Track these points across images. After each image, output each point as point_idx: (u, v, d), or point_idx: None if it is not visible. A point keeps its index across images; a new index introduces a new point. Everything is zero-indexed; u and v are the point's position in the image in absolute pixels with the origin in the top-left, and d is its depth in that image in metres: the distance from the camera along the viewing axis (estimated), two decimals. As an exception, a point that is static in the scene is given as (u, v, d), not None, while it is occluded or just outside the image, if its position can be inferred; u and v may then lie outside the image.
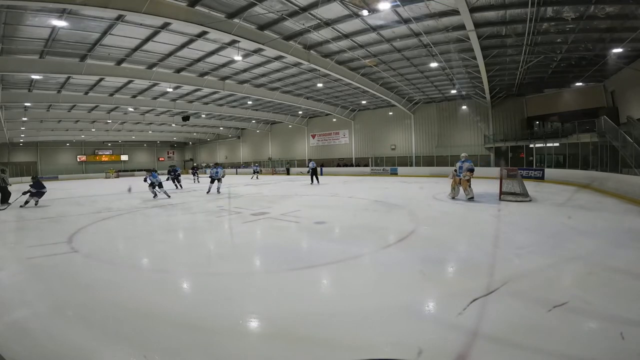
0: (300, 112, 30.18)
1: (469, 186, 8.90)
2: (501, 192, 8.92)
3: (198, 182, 20.50)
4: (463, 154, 9.42)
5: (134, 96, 21.06)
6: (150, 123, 31.32)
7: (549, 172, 15.45)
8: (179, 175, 15.97)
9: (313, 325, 2.46)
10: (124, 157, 44.90)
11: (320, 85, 19.27)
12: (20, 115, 23.48)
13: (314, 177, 17.01)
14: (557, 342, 2.11)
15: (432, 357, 2.00)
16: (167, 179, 15.67)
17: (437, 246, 4.64)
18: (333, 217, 7.21)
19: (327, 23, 11.28)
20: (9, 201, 10.60)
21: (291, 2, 9.86)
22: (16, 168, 31.57)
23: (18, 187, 12.05)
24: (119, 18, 10.21)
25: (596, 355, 1.99)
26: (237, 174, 34.23)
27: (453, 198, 9.20)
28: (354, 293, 3.08)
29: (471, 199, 8.74)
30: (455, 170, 9.21)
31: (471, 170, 8.94)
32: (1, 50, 11.59)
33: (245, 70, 16.94)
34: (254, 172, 25.25)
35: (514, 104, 21.25)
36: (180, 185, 15.50)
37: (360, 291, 3.11)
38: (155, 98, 22.04)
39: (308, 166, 17.81)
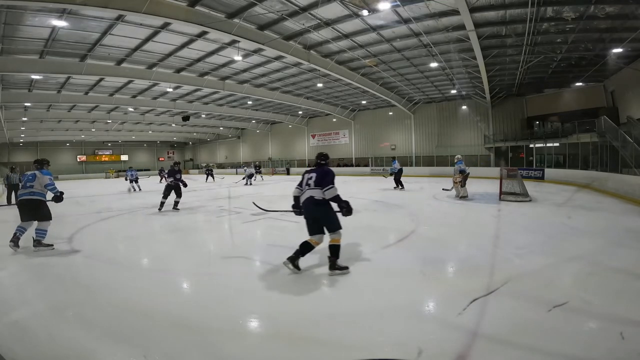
0: (300, 112, 30.18)
1: (461, 186, 9.17)
2: (501, 192, 8.93)
3: (262, 179, 20.35)
4: (457, 156, 9.71)
5: (134, 96, 21.06)
6: (150, 123, 31.33)
7: (549, 172, 15.45)
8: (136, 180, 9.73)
9: (313, 325, 2.46)
10: (124, 157, 44.92)
11: (320, 85, 19.27)
12: (20, 115, 23.48)
13: (400, 183, 12.53)
14: (557, 342, 2.11)
15: (432, 357, 2.00)
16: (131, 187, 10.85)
17: (437, 246, 4.63)
18: (333, 217, 7.20)
19: (327, 23, 11.28)
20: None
21: (291, 2, 9.86)
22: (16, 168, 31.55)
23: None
24: (119, 18, 10.20)
25: (596, 355, 1.99)
26: (237, 173, 34.23)
27: (456, 197, 9.40)
28: (354, 293, 3.08)
29: (463, 197, 9.02)
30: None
31: (461, 172, 9.17)
32: (1, 50, 11.58)
33: (245, 70, 16.94)
34: (256, 173, 20.42)
35: (514, 104, 21.26)
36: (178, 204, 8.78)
37: (360, 291, 3.11)
38: (155, 98, 22.05)
39: (392, 166, 12.97)
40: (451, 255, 4.27)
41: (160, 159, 48.95)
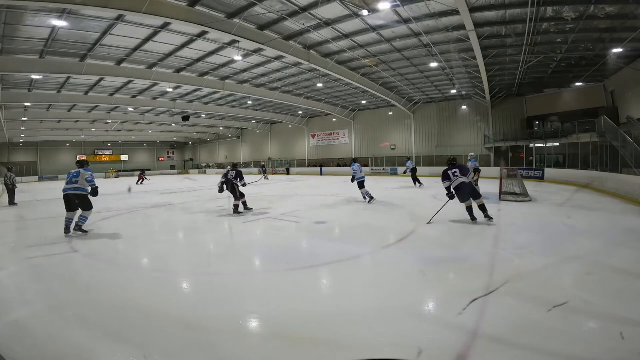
0: (300, 112, 30.18)
1: (475, 184, 9.17)
2: (501, 192, 8.93)
3: (267, 179, 21.02)
4: (471, 154, 10.15)
5: (134, 96, 21.06)
6: (150, 123, 31.32)
7: (549, 172, 15.45)
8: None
9: (313, 325, 2.46)
10: (124, 157, 44.95)
11: (320, 85, 19.27)
12: (20, 115, 23.47)
13: (417, 181, 13.70)
14: (557, 342, 2.11)
15: (432, 357, 2.00)
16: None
17: (437, 246, 4.64)
18: (333, 217, 7.21)
19: (327, 23, 11.28)
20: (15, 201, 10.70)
21: (291, 2, 9.86)
22: (16, 168, 31.49)
23: (22, 187, 12.11)
24: (119, 18, 10.20)
25: (596, 355, 1.99)
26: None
27: None
28: (354, 293, 3.08)
29: None
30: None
31: (475, 170, 9.29)
32: (1, 50, 11.58)
33: (245, 70, 16.94)
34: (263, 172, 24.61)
35: (514, 104, 21.26)
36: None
37: (360, 291, 3.12)
38: (155, 98, 22.04)
39: (406, 166, 14.27)
40: (451, 255, 4.27)
41: (160, 159, 49.00)
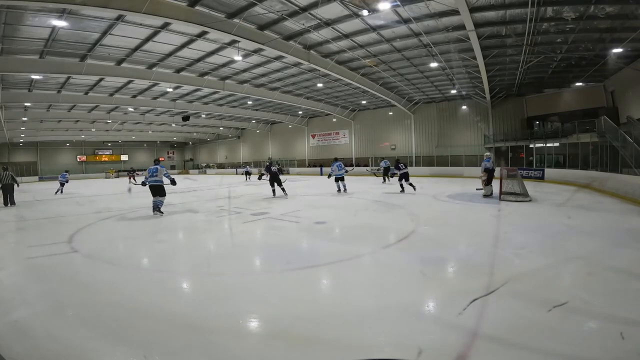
0: (300, 112, 30.17)
1: (488, 184, 9.51)
2: (501, 192, 8.93)
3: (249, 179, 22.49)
4: (486, 153, 10.48)
5: (134, 96, 21.05)
6: (150, 123, 31.32)
7: (549, 172, 15.44)
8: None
9: (313, 325, 2.46)
10: (124, 157, 44.91)
11: (320, 85, 19.26)
12: (20, 115, 23.47)
13: (387, 176, 15.94)
14: (557, 342, 2.11)
15: (432, 357, 2.00)
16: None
17: (437, 246, 4.63)
18: (333, 217, 7.21)
19: (327, 23, 11.28)
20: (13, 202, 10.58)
21: (291, 2, 9.86)
22: (16, 168, 31.54)
23: (22, 187, 12.07)
24: (119, 18, 10.20)
25: (596, 355, 1.99)
26: (236, 174, 34.36)
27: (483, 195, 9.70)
28: (354, 293, 3.08)
29: (486, 196, 9.34)
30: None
31: (485, 170, 9.51)
32: (1, 50, 11.58)
33: (245, 70, 16.94)
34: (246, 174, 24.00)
35: (514, 104, 21.24)
36: None
37: (360, 291, 3.12)
38: (155, 98, 22.04)
39: (379, 165, 16.57)
40: (451, 255, 4.27)
41: (160, 159, 48.93)
